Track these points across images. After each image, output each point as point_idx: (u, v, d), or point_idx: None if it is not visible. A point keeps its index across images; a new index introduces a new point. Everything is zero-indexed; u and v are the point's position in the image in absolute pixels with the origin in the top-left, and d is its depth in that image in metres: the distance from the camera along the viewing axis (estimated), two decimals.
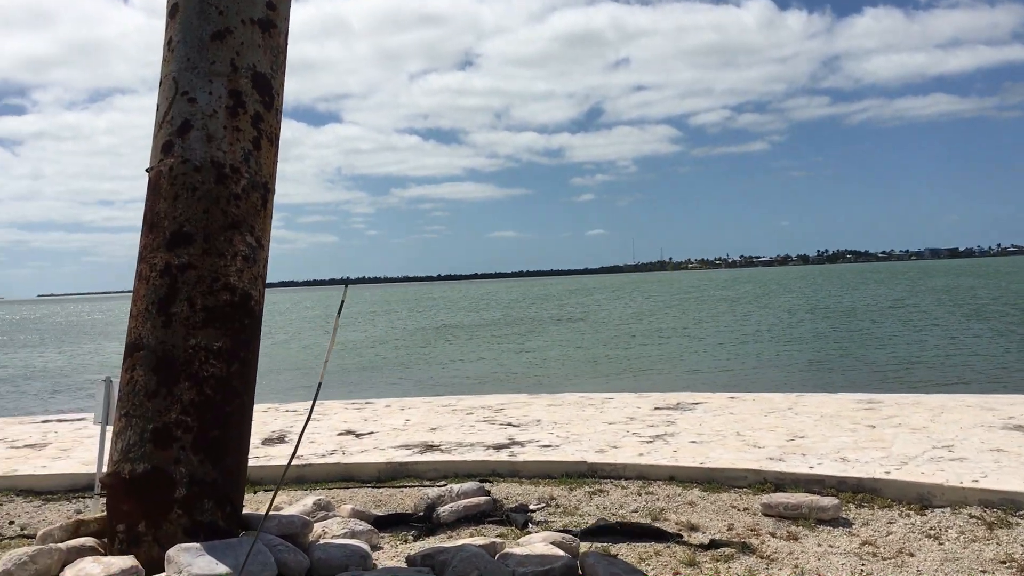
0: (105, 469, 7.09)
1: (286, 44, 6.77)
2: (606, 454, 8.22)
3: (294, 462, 8.70)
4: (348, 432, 10.01)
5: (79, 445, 9.80)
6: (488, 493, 7.21)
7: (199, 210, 6.07)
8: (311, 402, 5.15)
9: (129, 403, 5.82)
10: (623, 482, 7.62)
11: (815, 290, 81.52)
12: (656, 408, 10.77)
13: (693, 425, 9.53)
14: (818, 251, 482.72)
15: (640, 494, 7.23)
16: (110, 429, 6.22)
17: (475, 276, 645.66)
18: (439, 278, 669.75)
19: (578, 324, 45.96)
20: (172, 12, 6.44)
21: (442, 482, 7.82)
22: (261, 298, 6.30)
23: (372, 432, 9.94)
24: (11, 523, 7.31)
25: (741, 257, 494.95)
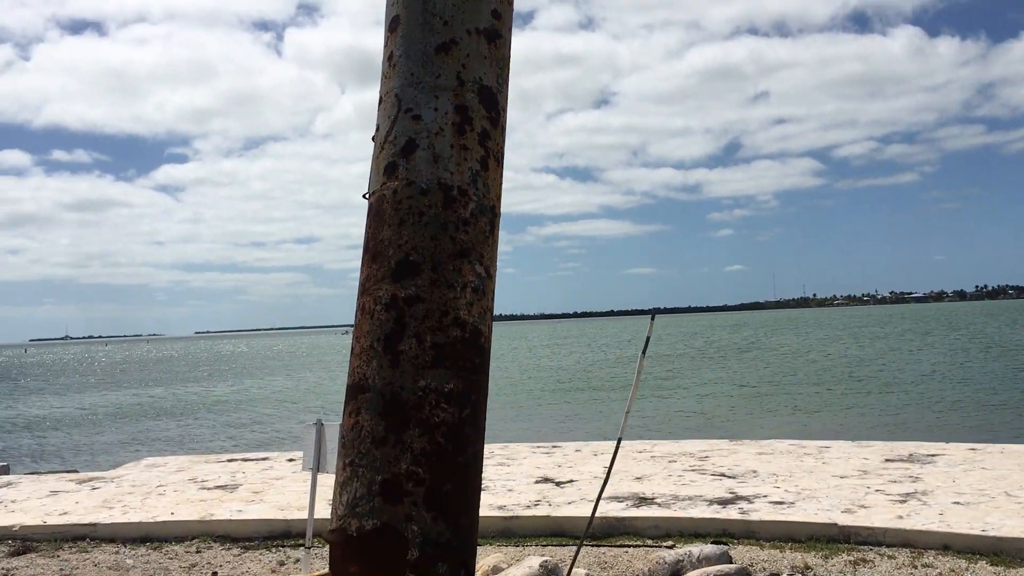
0: (316, 517, 6.64)
1: (510, 56, 6.19)
2: (856, 515, 7.14)
3: (499, 513, 8.05)
4: (546, 480, 9.28)
5: (269, 487, 9.47)
6: (731, 559, 6.29)
7: (426, 237, 5.46)
8: (612, 455, 4.38)
9: (354, 451, 5.23)
10: (886, 550, 6.54)
11: (984, 327, 76.06)
12: (887, 460, 9.55)
13: (945, 482, 8.29)
14: (976, 286, 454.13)
15: (915, 566, 6.14)
16: (323, 476, 5.64)
17: (611, 313, 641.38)
18: (575, 315, 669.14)
19: (744, 359, 44.17)
20: (392, 26, 5.93)
21: (668, 542, 6.96)
22: (490, 334, 5.65)
23: (572, 480, 9.18)
24: (214, 574, 6.93)
25: (891, 293, 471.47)
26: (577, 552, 5.01)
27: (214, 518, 8.13)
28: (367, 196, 5.96)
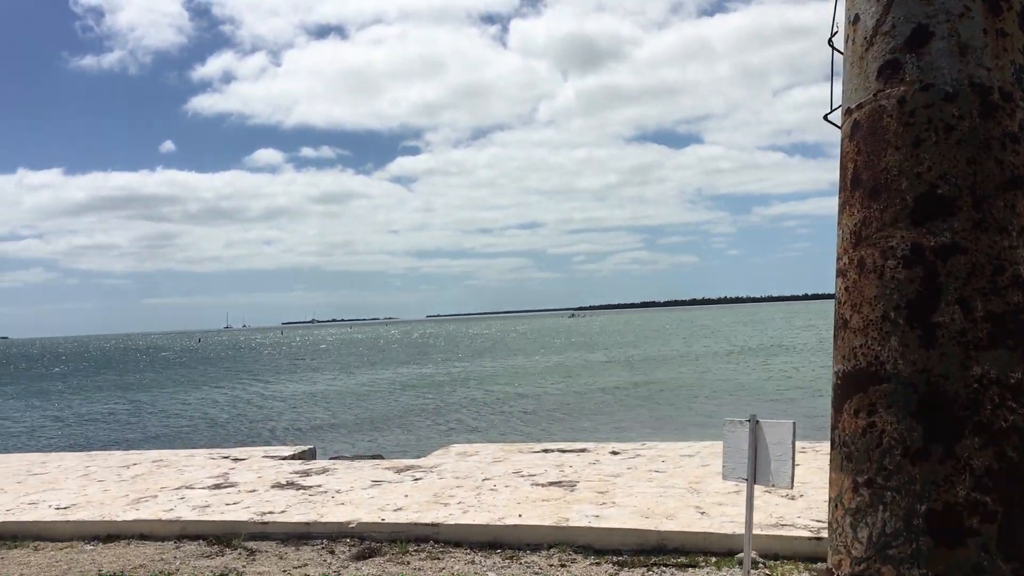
0: (751, 536, 5.20)
1: None
2: None
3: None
4: None
5: (612, 487, 8.17)
6: None
7: (960, 160, 3.74)
8: None
9: (873, 465, 3.64)
10: None
11: None
12: None
13: None
14: None
15: None
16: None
17: None
18: (804, 297, 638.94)
19: None
20: None
21: None
22: None
23: None
24: None
25: None
26: None
27: (570, 524, 6.90)
28: (831, 116, 4.33)
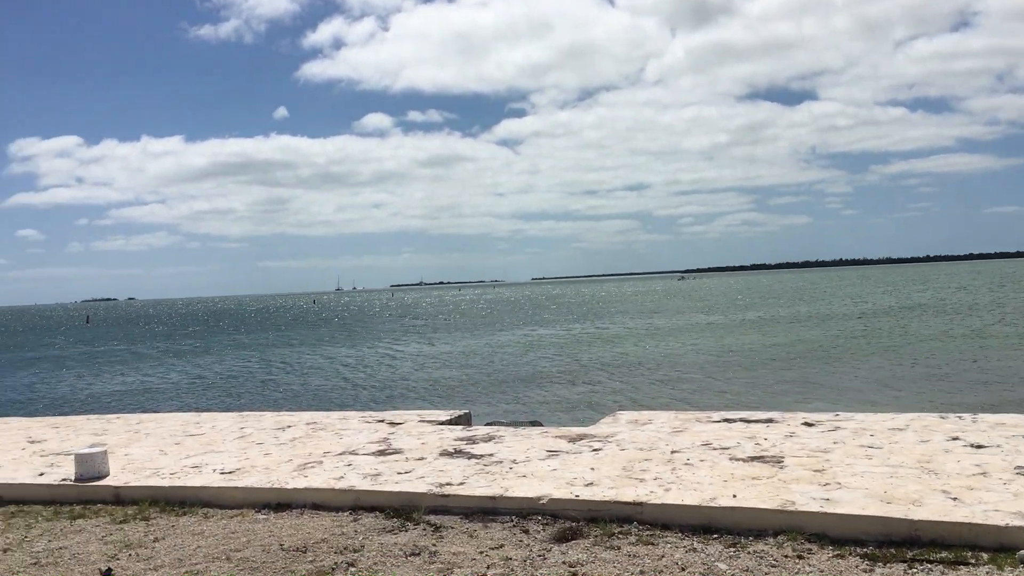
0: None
1: None
2: None
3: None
4: None
5: (828, 464, 7.22)
6: None
7: None
8: None
9: None
10: None
11: None
12: None
13: None
14: None
15: None
16: None
17: (969, 256, 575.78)
18: (926, 259, 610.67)
19: None
20: None
21: None
22: None
23: None
24: None
25: None
26: None
27: (798, 508, 6.01)
28: None
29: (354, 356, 39.10)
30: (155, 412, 16.18)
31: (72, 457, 9.10)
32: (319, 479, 7.58)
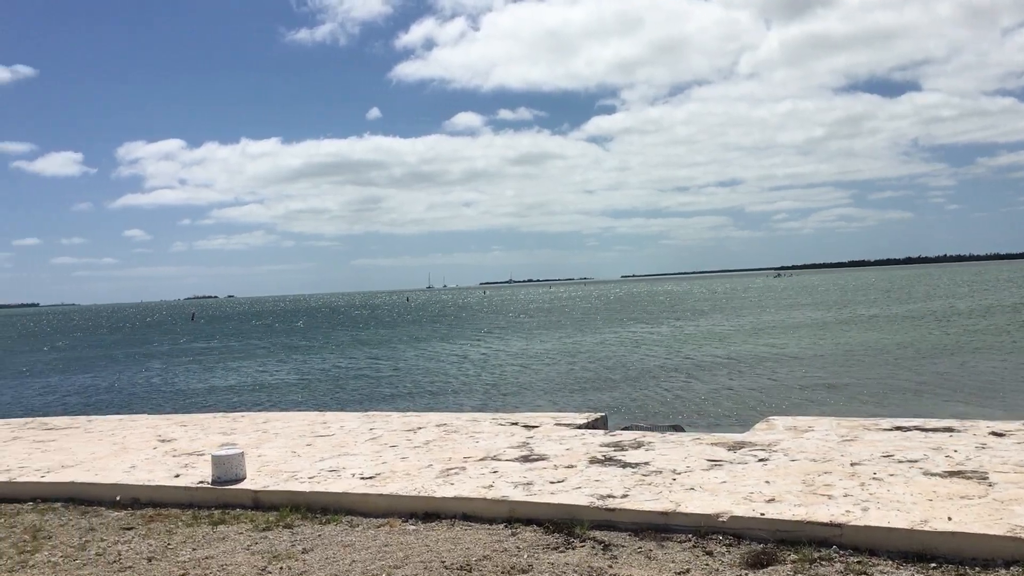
0: None
1: None
2: None
3: None
4: None
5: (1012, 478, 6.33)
6: None
7: None
8: None
9: None
10: None
11: None
12: None
13: None
14: None
15: None
16: None
17: None
18: None
19: None
20: None
21: None
22: None
23: None
24: None
25: None
26: None
27: (930, 529, 5.21)
28: None
29: (460, 353, 38.98)
30: (282, 411, 16.09)
31: (205, 458, 8.88)
32: (466, 487, 7.08)
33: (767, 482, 6.74)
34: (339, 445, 9.36)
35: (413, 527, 6.55)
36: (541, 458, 8.12)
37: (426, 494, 6.95)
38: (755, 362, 27.98)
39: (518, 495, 6.75)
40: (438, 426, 10.31)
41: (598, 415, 10.52)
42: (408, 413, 12.09)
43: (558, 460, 7.98)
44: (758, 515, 5.89)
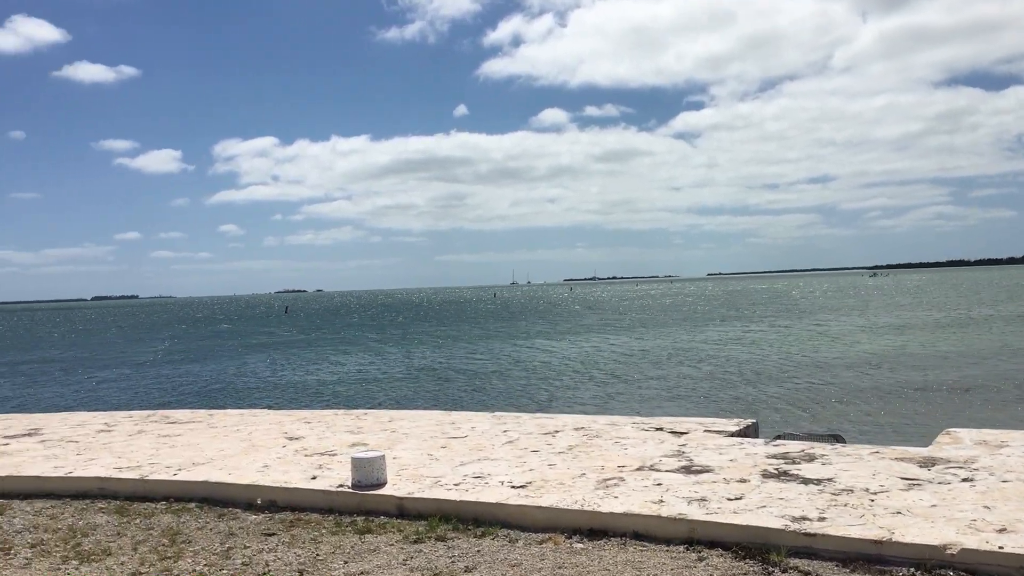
0: None
1: None
2: None
3: None
4: None
5: None
6: None
7: None
8: None
9: None
10: None
11: None
12: None
13: None
14: None
15: None
16: None
17: None
18: None
19: None
20: None
21: None
22: None
23: None
24: None
25: None
26: None
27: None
28: None
29: (562, 350, 38.42)
30: (403, 408, 15.71)
31: (338, 458, 8.46)
32: (633, 501, 6.41)
33: (986, 507, 5.87)
34: (476, 448, 8.80)
35: (580, 545, 5.92)
36: (705, 469, 7.39)
37: (590, 508, 6.31)
38: (882, 362, 26.60)
39: (696, 513, 6.04)
40: (576, 429, 9.67)
41: (749, 422, 9.73)
42: (538, 415, 11.48)
43: (726, 473, 7.23)
44: (995, 548, 5.05)
